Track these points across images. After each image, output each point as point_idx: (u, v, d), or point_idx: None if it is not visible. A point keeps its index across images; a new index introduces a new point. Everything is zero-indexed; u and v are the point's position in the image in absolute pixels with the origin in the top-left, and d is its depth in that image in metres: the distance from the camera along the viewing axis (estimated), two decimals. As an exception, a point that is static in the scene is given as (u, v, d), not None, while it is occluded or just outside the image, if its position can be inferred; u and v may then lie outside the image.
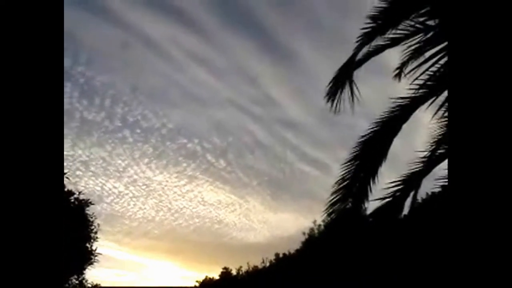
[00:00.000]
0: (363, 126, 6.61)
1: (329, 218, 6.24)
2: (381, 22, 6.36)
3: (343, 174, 6.32)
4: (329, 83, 6.75)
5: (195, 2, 22.86)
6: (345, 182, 6.27)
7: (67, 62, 24.71)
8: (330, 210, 6.21)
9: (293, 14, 23.21)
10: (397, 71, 9.03)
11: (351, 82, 6.74)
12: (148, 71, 29.04)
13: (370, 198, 6.31)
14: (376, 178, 6.32)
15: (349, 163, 6.35)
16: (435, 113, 6.12)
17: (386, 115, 6.35)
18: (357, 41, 6.50)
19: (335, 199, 6.24)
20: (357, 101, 6.78)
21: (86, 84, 27.97)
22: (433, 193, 18.41)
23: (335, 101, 6.78)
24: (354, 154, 6.37)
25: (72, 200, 14.13)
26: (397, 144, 6.42)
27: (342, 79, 6.69)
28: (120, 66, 27.47)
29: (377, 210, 6.20)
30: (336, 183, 6.31)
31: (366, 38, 6.45)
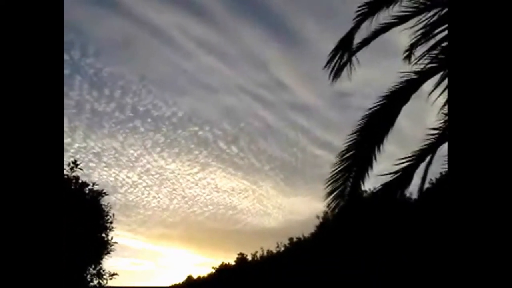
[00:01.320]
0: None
1: (331, 191, 6.08)
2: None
3: (348, 145, 6.22)
4: (329, 54, 6.66)
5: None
6: (349, 153, 6.18)
7: (75, 54, 24.91)
8: (332, 181, 6.10)
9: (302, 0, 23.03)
10: (407, 53, 9.00)
11: (351, 55, 6.65)
12: (157, 61, 29.22)
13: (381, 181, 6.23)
14: (381, 147, 6.22)
15: (353, 135, 6.28)
16: (444, 90, 6.07)
17: (393, 88, 6.29)
18: (358, 11, 6.44)
19: (337, 170, 6.15)
20: (368, 83, 6.70)
21: (95, 75, 28.23)
22: (441, 174, 18.33)
23: (336, 74, 6.70)
24: (359, 126, 6.30)
25: (87, 192, 14.28)
26: (407, 125, 6.34)
27: (342, 51, 6.60)
28: (129, 56, 27.66)
29: (386, 185, 6.12)
30: (339, 154, 6.20)
31: (368, 9, 6.37)
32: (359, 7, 6.21)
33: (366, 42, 6.85)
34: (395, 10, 6.63)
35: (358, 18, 6.27)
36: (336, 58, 6.50)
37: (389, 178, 6.09)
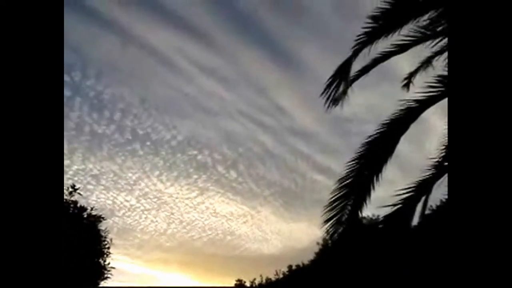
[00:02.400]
0: (371, 132, 6.54)
1: (329, 218, 6.04)
2: (383, 22, 6.33)
3: (346, 173, 6.21)
4: (326, 82, 6.70)
5: (203, 13, 23.09)
6: (348, 181, 6.16)
7: (76, 76, 25.02)
8: (330, 209, 6.07)
9: (301, 23, 23.31)
10: (406, 81, 9.09)
11: (347, 84, 6.69)
12: (158, 84, 29.29)
13: (379, 204, 6.21)
14: (380, 176, 6.21)
15: (353, 162, 6.27)
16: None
17: (393, 116, 6.31)
18: (356, 40, 6.47)
19: (336, 197, 6.12)
20: (368, 109, 6.74)
21: (95, 98, 28.23)
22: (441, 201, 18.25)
23: (331, 103, 6.73)
24: (359, 154, 6.30)
25: (85, 216, 14.16)
26: (409, 153, 6.35)
27: (339, 80, 6.64)
28: (129, 79, 27.72)
29: (388, 217, 6.10)
30: (337, 181, 6.19)
31: (366, 38, 6.42)
32: (358, 36, 6.27)
33: (365, 70, 6.91)
34: (394, 38, 6.70)
35: (356, 47, 6.33)
36: (333, 86, 6.53)
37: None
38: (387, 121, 6.30)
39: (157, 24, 24.06)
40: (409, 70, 9.03)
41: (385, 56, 6.99)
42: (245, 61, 27.40)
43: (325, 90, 6.57)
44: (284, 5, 22.48)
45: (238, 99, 31.19)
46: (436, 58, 7.77)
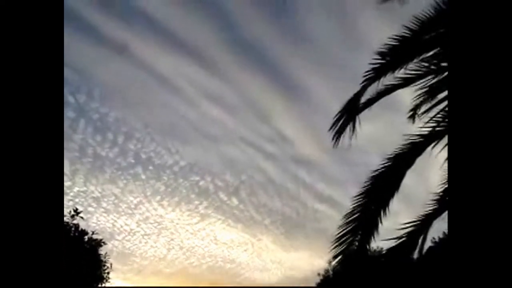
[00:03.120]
0: (377, 163, 6.60)
1: (336, 254, 6.06)
2: (390, 59, 6.46)
3: (353, 207, 6.25)
4: (335, 117, 6.79)
5: (209, 40, 23.39)
6: (354, 215, 6.20)
7: (81, 98, 25.21)
8: (337, 244, 6.08)
9: (305, 51, 23.58)
10: (411, 112, 9.17)
11: (355, 119, 6.78)
12: (162, 108, 29.46)
13: (384, 236, 6.21)
14: (386, 211, 6.24)
15: (359, 197, 6.31)
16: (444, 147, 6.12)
17: (398, 151, 6.37)
18: (364, 76, 6.58)
19: (343, 232, 6.13)
20: (371, 139, 6.80)
21: (99, 120, 28.37)
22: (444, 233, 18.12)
23: (338, 137, 6.80)
24: (365, 188, 6.34)
25: (86, 240, 14.11)
26: (412, 183, 6.38)
27: (347, 115, 6.73)
28: (134, 103, 27.90)
29: (391, 250, 6.10)
30: (344, 216, 6.23)
31: (374, 74, 6.53)
32: (366, 72, 6.38)
33: (369, 103, 6.98)
34: (399, 72, 6.81)
35: (364, 83, 6.43)
36: (341, 122, 6.61)
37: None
38: (392, 155, 6.35)
39: (164, 50, 24.40)
40: (413, 101, 9.13)
41: (390, 89, 7.08)
42: (249, 88, 27.66)
43: (333, 125, 6.65)
44: (289, 34, 22.81)
45: (242, 126, 31.32)
46: (441, 91, 7.87)
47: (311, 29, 21.97)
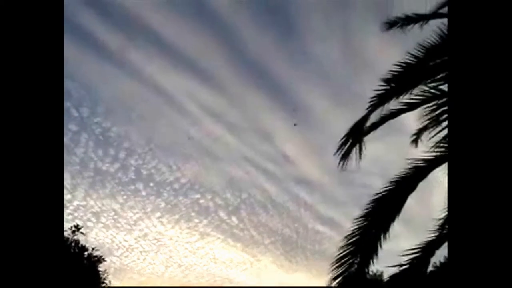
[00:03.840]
0: (378, 185, 6.63)
1: (336, 275, 6.03)
2: (395, 85, 6.53)
3: (354, 230, 6.24)
4: (340, 141, 6.84)
5: (214, 58, 23.64)
6: (355, 238, 6.19)
7: (84, 112, 25.35)
8: (337, 266, 6.06)
9: (310, 72, 23.78)
10: (414, 137, 9.24)
11: (360, 143, 6.83)
12: (164, 125, 29.58)
13: (384, 258, 6.20)
14: (387, 234, 6.24)
15: (360, 219, 6.32)
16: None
17: (401, 175, 6.38)
18: (370, 102, 6.67)
19: (343, 254, 6.12)
20: (372, 160, 6.82)
21: (102, 135, 28.45)
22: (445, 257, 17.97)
23: (344, 161, 6.84)
24: (366, 211, 6.34)
25: (86, 256, 14.07)
26: (413, 205, 6.38)
27: (352, 139, 6.78)
28: (137, 118, 28.03)
29: (393, 277, 6.08)
30: (345, 238, 6.23)
31: (379, 100, 6.60)
32: (371, 98, 6.47)
33: (374, 126, 7.05)
34: (404, 97, 6.88)
35: (369, 109, 6.51)
36: (347, 146, 6.67)
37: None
38: (395, 179, 6.37)
39: (169, 67, 24.63)
40: (416, 123, 9.19)
41: (395, 113, 7.15)
42: (253, 108, 27.80)
43: (338, 149, 6.72)
44: (293, 55, 23.05)
45: (244, 145, 31.36)
46: (445, 116, 7.92)
47: (315, 51, 22.23)
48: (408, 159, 6.48)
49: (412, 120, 9.07)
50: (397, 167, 6.52)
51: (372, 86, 6.69)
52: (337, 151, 6.74)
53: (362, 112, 6.81)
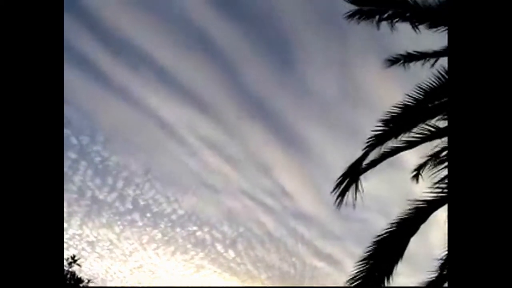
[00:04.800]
0: (376, 220, 6.64)
1: None
2: (394, 127, 6.56)
3: (356, 273, 6.18)
4: (337, 180, 6.82)
5: (214, 90, 23.83)
6: (357, 282, 6.12)
7: (84, 140, 25.34)
8: None
9: (308, 105, 23.94)
10: (415, 172, 9.24)
11: (357, 183, 6.81)
12: (163, 155, 29.53)
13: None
14: (391, 278, 6.17)
15: (362, 262, 6.26)
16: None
17: (403, 216, 6.34)
18: (367, 142, 6.68)
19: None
20: (370, 195, 6.79)
21: (101, 163, 28.32)
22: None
23: (341, 200, 6.82)
24: (368, 253, 6.29)
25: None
26: (413, 242, 6.33)
27: (349, 179, 6.77)
28: (136, 148, 28.04)
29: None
30: (347, 282, 6.17)
31: (377, 140, 6.62)
32: (369, 138, 6.50)
33: (373, 164, 7.02)
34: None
35: (367, 148, 6.53)
36: (343, 185, 6.66)
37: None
38: (397, 221, 6.34)
39: (169, 97, 24.80)
40: (414, 157, 9.18)
41: (394, 151, 7.15)
42: (251, 140, 27.86)
43: (335, 188, 6.71)
44: (292, 88, 23.30)
45: (242, 177, 31.23)
46: (445, 152, 7.93)
47: (314, 84, 22.42)
48: (409, 200, 6.45)
49: (410, 154, 9.11)
50: (395, 202, 6.52)
51: (370, 120, 6.74)
52: (334, 190, 6.72)
53: (360, 146, 6.83)
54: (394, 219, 6.27)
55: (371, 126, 6.78)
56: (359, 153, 6.97)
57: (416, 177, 9.40)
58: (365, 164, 7.19)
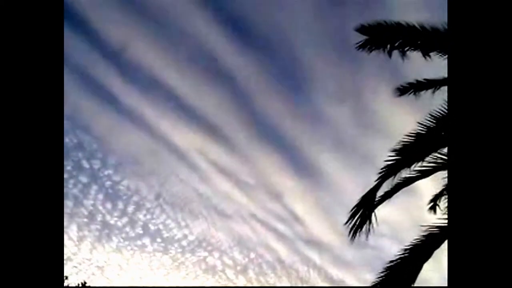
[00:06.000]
0: (389, 247, 6.55)
1: None
2: (407, 156, 6.48)
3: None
4: (350, 212, 6.72)
5: (224, 114, 23.98)
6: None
7: (96, 164, 25.49)
8: None
9: (320, 131, 23.97)
10: (431, 203, 9.15)
11: (370, 214, 6.71)
12: (174, 180, 29.57)
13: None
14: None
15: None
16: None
17: (416, 242, 6.24)
18: (380, 173, 6.61)
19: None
20: (383, 222, 6.70)
21: (111, 188, 28.42)
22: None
23: (355, 232, 6.72)
24: (380, 278, 6.23)
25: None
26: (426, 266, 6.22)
27: (362, 211, 6.68)
28: (147, 173, 28.16)
29: None
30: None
31: (389, 170, 6.55)
32: (381, 169, 6.44)
33: (388, 195, 6.93)
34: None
35: (379, 179, 6.46)
36: (357, 217, 6.58)
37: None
38: (410, 247, 6.25)
39: (180, 122, 25.01)
40: (428, 184, 9.04)
41: (408, 181, 7.05)
42: (263, 166, 27.84)
43: (349, 219, 6.63)
44: (304, 114, 23.36)
45: (253, 203, 31.12)
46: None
47: (326, 111, 22.47)
48: (423, 226, 6.36)
49: (424, 181, 9.00)
50: (409, 228, 6.44)
51: (383, 146, 6.69)
52: (347, 222, 6.63)
53: (373, 173, 6.75)
54: (407, 245, 6.18)
55: (383, 152, 6.77)
56: (372, 179, 6.92)
57: (433, 208, 9.33)
58: (379, 196, 7.09)
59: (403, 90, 8.24)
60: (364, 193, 6.73)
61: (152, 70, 22.37)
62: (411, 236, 6.42)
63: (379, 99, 18.05)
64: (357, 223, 6.55)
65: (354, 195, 6.83)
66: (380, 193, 7.14)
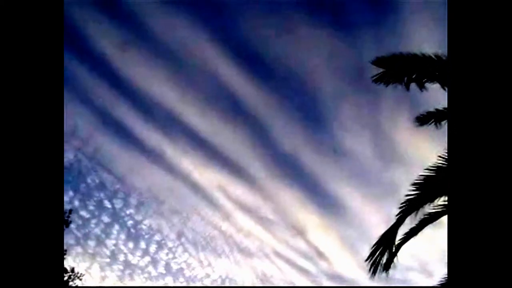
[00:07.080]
0: (416, 280, 6.25)
1: None
2: (427, 189, 6.26)
3: None
4: (371, 248, 6.49)
5: (244, 151, 24.06)
6: None
7: (117, 203, 25.71)
8: None
9: (341, 164, 23.76)
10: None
11: (391, 251, 6.45)
12: (196, 219, 29.52)
13: None
14: None
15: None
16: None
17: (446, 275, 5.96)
18: (400, 207, 6.38)
19: None
20: (410, 254, 6.42)
21: (133, 227, 28.48)
22: None
23: (376, 269, 6.46)
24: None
25: None
26: None
27: (383, 247, 6.43)
28: (169, 212, 28.22)
29: None
30: None
31: (410, 205, 6.31)
32: (402, 203, 6.22)
33: (413, 232, 6.67)
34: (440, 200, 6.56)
35: (400, 214, 6.23)
36: (377, 254, 6.33)
37: None
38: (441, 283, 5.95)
39: (201, 160, 25.14)
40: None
41: (434, 217, 6.76)
42: (285, 202, 27.59)
43: (369, 256, 6.39)
44: (324, 148, 23.23)
45: (276, 240, 30.68)
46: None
47: (347, 144, 22.32)
48: None
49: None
50: (436, 261, 6.17)
51: (405, 178, 6.48)
52: (368, 258, 6.38)
53: (396, 205, 6.52)
54: (439, 280, 5.90)
55: (406, 183, 6.52)
56: (396, 211, 6.67)
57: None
58: (404, 234, 6.82)
59: (423, 120, 8.03)
60: (388, 226, 6.51)
61: (172, 110, 22.72)
62: (440, 268, 6.17)
63: (398, 130, 17.84)
64: (377, 261, 6.29)
65: (378, 228, 6.63)
66: (404, 227, 6.92)
